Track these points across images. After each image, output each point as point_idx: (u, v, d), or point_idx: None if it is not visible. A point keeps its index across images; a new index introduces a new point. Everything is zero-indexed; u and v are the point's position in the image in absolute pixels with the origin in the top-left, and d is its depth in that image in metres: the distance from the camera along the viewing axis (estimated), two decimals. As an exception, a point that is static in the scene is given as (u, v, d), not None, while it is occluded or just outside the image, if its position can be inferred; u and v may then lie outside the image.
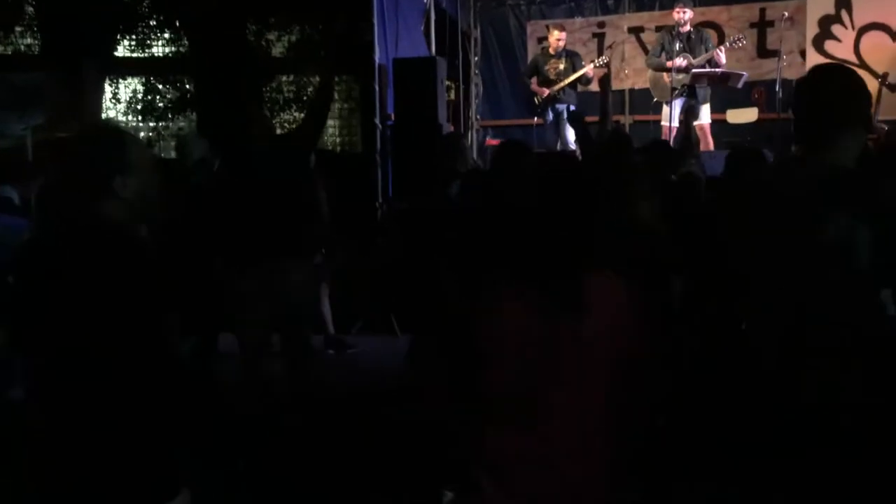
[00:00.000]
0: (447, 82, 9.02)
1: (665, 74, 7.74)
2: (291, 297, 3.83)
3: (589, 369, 1.89)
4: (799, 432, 2.09)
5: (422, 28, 8.48)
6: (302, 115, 10.92)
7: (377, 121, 7.08)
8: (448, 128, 7.23)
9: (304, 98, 10.94)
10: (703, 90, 7.74)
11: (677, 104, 7.60)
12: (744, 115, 9.00)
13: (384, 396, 4.48)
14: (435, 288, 3.40)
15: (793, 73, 9.07)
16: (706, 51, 7.61)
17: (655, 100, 8.28)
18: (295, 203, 3.95)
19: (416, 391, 3.56)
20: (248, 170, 3.91)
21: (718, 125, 8.94)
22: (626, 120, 9.94)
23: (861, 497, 2.05)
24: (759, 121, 8.98)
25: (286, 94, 11.41)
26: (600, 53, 9.85)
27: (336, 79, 8.70)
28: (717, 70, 7.52)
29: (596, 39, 10.05)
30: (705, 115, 7.75)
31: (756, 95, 9.08)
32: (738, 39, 7.81)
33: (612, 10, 10.09)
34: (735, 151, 4.84)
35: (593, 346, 1.88)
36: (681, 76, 7.59)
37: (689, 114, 6.25)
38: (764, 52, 9.53)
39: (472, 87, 10.22)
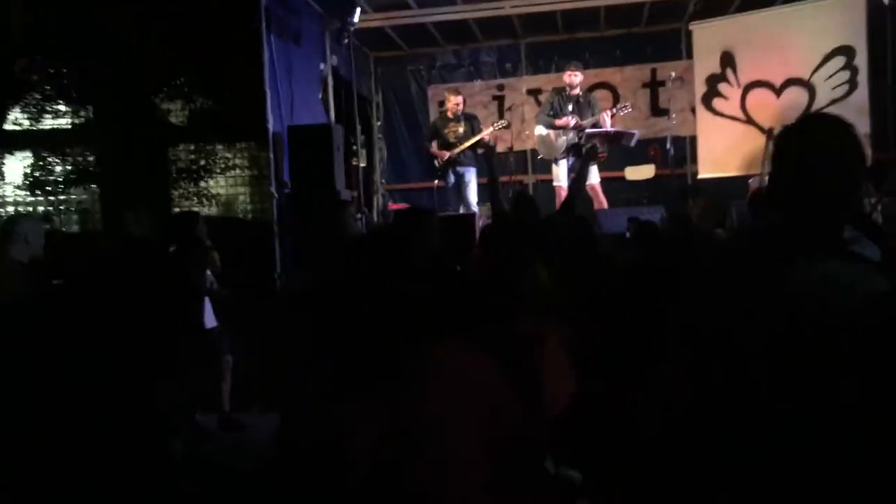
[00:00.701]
0: (356, 147, 9.02)
1: (552, 134, 7.88)
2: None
3: (455, 446, 1.78)
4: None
5: (319, 95, 8.43)
6: (204, 184, 10.74)
7: (273, 189, 6.94)
8: (346, 194, 7.13)
9: (206, 167, 10.73)
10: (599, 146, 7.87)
11: (566, 164, 7.73)
12: (641, 172, 9.24)
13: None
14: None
15: (685, 130, 9.40)
16: (593, 115, 7.77)
17: (541, 157, 8.40)
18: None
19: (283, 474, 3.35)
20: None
21: (618, 182, 9.14)
22: (530, 179, 10.08)
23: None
24: (655, 177, 9.23)
25: (187, 164, 11.17)
26: (501, 115, 9.99)
27: (242, 146, 8.59)
28: (610, 129, 7.68)
29: (496, 102, 10.21)
30: (594, 175, 7.85)
31: (652, 152, 9.34)
32: (625, 107, 8.02)
33: (511, 73, 10.28)
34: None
35: (453, 425, 1.77)
36: (569, 136, 7.74)
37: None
38: (657, 110, 9.85)
39: (376, 152, 10.21)
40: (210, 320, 5.51)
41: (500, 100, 10.19)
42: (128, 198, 8.59)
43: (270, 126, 6.95)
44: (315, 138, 6.89)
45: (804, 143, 1.60)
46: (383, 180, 10.34)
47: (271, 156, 6.95)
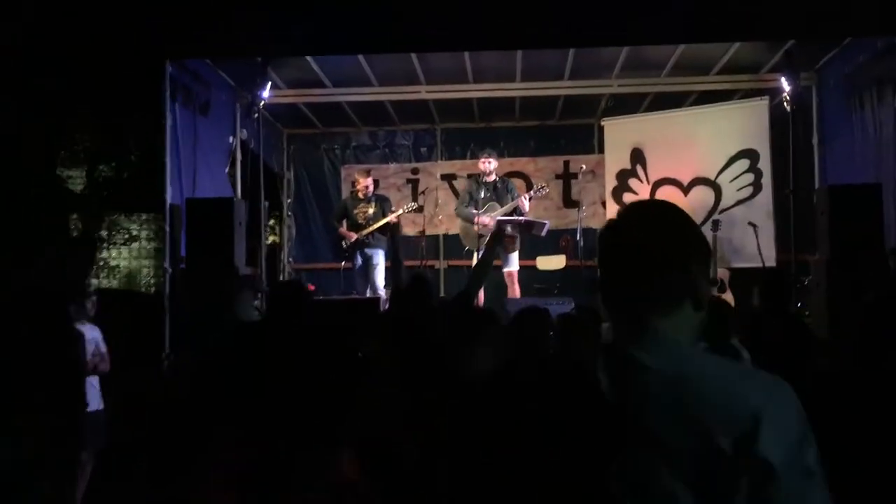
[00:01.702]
0: (263, 224, 8.70)
1: (481, 218, 7.78)
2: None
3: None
4: None
5: (227, 168, 8.16)
6: (106, 254, 10.18)
7: (167, 263, 6.56)
8: (246, 271, 6.80)
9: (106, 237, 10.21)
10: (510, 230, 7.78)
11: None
12: (552, 262, 9.21)
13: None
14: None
15: (595, 223, 9.45)
16: (511, 199, 7.73)
17: (467, 249, 8.28)
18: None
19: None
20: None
21: (530, 271, 9.07)
22: (441, 265, 9.93)
23: None
24: (566, 268, 9.21)
25: (85, 233, 10.62)
26: (415, 199, 9.90)
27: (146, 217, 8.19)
28: (521, 218, 7.61)
29: (410, 185, 10.12)
30: (514, 263, 7.78)
31: (563, 243, 9.35)
32: (542, 188, 8.03)
33: (425, 158, 10.24)
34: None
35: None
36: (487, 227, 7.65)
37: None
38: (569, 202, 9.92)
39: (285, 230, 9.92)
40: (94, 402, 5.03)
41: (414, 183, 10.10)
42: (23, 264, 8.04)
43: (168, 197, 6.62)
44: (215, 212, 6.60)
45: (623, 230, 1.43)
46: (291, 259, 10.02)
47: (167, 228, 6.59)
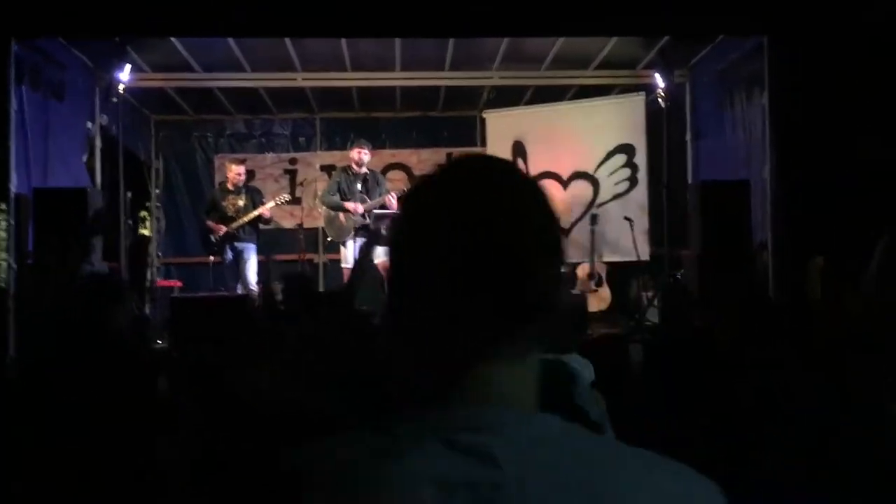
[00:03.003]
0: (144, 215, 8.20)
1: (341, 215, 7.50)
2: None
3: None
4: None
5: (84, 157, 7.60)
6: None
7: (11, 259, 6.02)
8: (102, 266, 6.33)
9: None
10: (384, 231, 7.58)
11: (353, 246, 7.38)
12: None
13: None
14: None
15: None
16: (380, 194, 7.49)
17: (330, 239, 8.02)
18: None
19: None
20: None
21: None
22: (320, 258, 9.63)
23: None
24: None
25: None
26: (293, 191, 9.56)
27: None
28: (396, 212, 7.41)
29: (288, 176, 9.76)
30: (384, 254, 7.55)
31: (445, 236, 9.20)
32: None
33: (304, 148, 9.91)
34: None
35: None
36: (357, 217, 7.40)
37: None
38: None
39: (153, 222, 9.39)
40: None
41: (292, 174, 9.75)
42: None
43: (13, 187, 6.07)
44: (67, 203, 6.12)
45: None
46: (160, 252, 9.50)
47: (12, 221, 6.04)
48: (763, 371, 3.29)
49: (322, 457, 0.81)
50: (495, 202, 0.81)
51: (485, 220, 0.80)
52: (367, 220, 7.36)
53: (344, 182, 7.55)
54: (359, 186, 7.42)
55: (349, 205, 7.38)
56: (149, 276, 9.17)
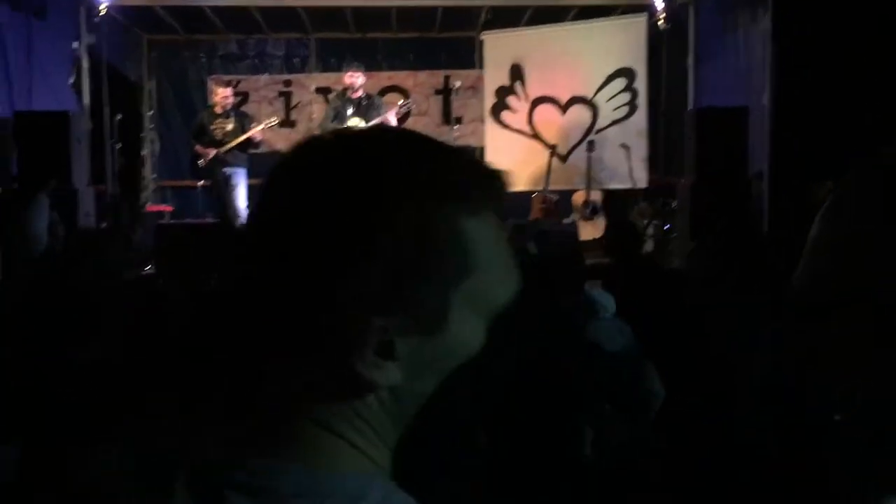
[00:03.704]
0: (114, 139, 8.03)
1: None
2: None
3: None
4: None
5: (71, 79, 7.45)
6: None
7: (-6, 184, 5.98)
8: (88, 192, 6.28)
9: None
10: None
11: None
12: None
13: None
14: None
15: (475, 141, 9.20)
16: (378, 116, 7.34)
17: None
18: None
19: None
20: None
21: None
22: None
23: None
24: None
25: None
26: (287, 113, 9.40)
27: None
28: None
29: (282, 98, 9.58)
30: None
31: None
32: (406, 104, 7.63)
33: (299, 69, 9.70)
34: None
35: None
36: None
37: None
38: (449, 118, 9.60)
39: (147, 145, 9.28)
40: None
41: (286, 97, 9.56)
42: None
43: (-6, 110, 5.99)
44: (49, 127, 6.03)
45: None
46: (154, 175, 9.42)
47: (-7, 144, 5.98)
48: (734, 316, 3.20)
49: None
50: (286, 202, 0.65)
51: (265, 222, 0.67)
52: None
53: (340, 108, 7.41)
54: (350, 111, 7.26)
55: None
56: (144, 199, 9.14)
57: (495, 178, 0.69)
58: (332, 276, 0.60)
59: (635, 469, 3.02)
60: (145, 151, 9.28)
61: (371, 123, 7.29)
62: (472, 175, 0.67)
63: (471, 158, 0.70)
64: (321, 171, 0.64)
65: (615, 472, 2.89)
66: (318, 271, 0.61)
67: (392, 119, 7.28)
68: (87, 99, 7.54)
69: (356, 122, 7.28)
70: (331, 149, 0.67)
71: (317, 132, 8.17)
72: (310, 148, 0.68)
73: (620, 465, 2.93)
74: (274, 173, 0.67)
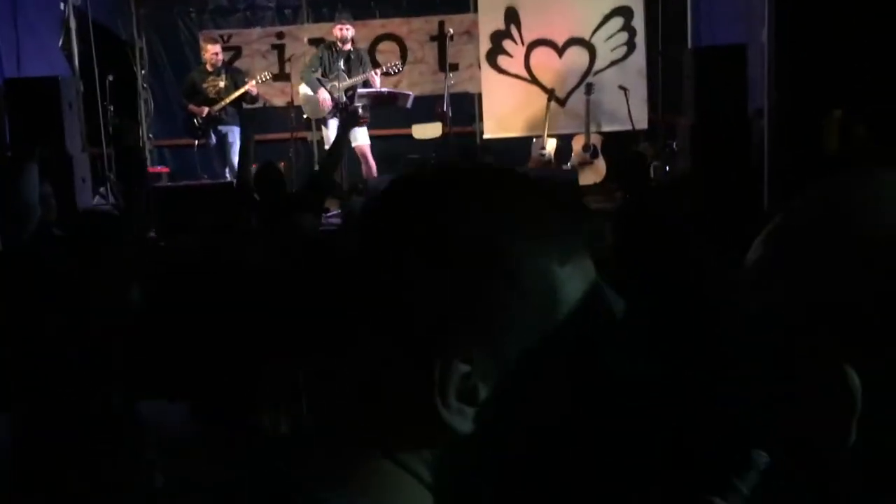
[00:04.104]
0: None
1: (320, 92, 7.23)
2: None
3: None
4: None
5: (60, 42, 7.35)
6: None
7: (-11, 153, 5.96)
8: (82, 157, 6.24)
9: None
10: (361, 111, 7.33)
11: (333, 124, 7.18)
12: (428, 131, 8.83)
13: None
14: None
15: (472, 87, 9.09)
16: (363, 72, 7.20)
17: (306, 117, 7.81)
18: None
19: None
20: None
21: (405, 140, 8.72)
22: (313, 137, 9.45)
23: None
24: (443, 135, 8.87)
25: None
26: (281, 66, 9.28)
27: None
28: (383, 90, 7.17)
29: (276, 51, 9.43)
30: (363, 136, 7.32)
31: (439, 110, 8.95)
32: (394, 66, 7.45)
33: (291, 21, 9.53)
34: None
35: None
36: (336, 95, 7.16)
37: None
38: (445, 65, 9.45)
39: (141, 105, 9.20)
40: None
41: (280, 49, 9.41)
42: None
43: (-18, 79, 5.93)
44: (39, 94, 5.97)
45: None
46: (150, 135, 9.35)
47: (-15, 114, 5.94)
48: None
49: None
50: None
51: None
52: (348, 101, 7.13)
53: (326, 59, 7.29)
54: (341, 65, 7.15)
55: (321, 94, 7.12)
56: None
57: (586, 219, 0.69)
58: (423, 316, 0.60)
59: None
60: (141, 112, 9.19)
61: (354, 80, 7.16)
62: (566, 219, 0.65)
63: (563, 199, 0.68)
64: (418, 210, 0.63)
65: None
66: (409, 310, 0.60)
67: (376, 78, 7.11)
68: (77, 61, 7.45)
69: (343, 76, 7.16)
70: (433, 186, 0.66)
71: (300, 82, 8.07)
72: (411, 184, 0.67)
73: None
74: (374, 204, 0.66)
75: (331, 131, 7.17)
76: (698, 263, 3.47)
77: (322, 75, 7.19)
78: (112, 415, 2.92)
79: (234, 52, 9.22)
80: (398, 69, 7.42)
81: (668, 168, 7.08)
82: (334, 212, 6.34)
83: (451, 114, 8.02)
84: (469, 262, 0.59)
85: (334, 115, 7.13)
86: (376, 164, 7.58)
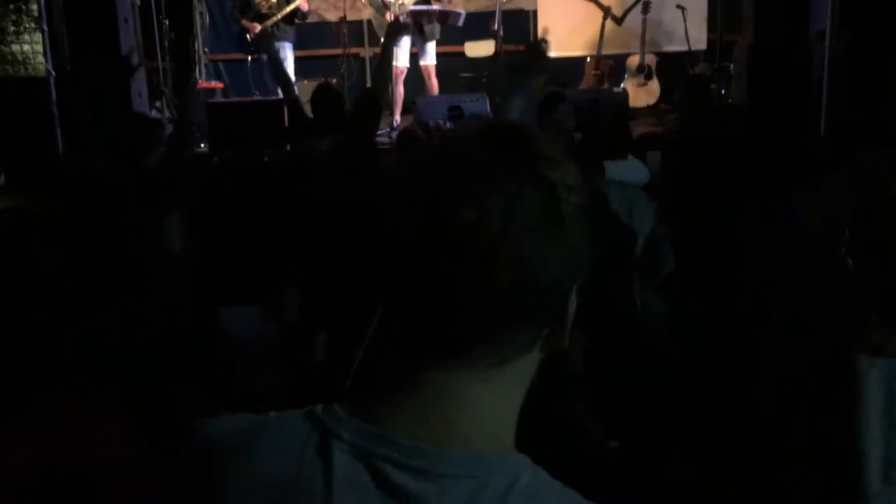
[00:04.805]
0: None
1: (388, 12, 7.15)
2: None
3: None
4: None
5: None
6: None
7: (49, 65, 6.09)
8: (140, 71, 6.35)
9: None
10: (431, 27, 7.24)
11: (403, 43, 7.11)
12: (481, 49, 8.71)
13: None
14: None
15: (528, 4, 8.89)
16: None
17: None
18: None
19: None
20: None
21: (459, 58, 8.63)
22: (366, 52, 9.41)
23: None
24: (496, 53, 8.74)
25: None
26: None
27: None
28: (433, 8, 7.05)
29: (330, -35, 9.32)
30: (429, 55, 7.27)
31: (494, 27, 8.81)
32: None
33: (346, -66, 9.37)
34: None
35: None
36: (402, 16, 7.05)
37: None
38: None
39: (196, 17, 9.23)
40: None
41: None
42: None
43: (42, -9, 6.03)
44: (96, 7, 6.04)
45: None
46: (206, 49, 9.41)
47: (45, 27, 6.06)
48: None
49: (242, 451, 0.71)
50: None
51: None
52: (404, 19, 7.04)
53: None
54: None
55: (389, 14, 7.03)
56: (199, 74, 9.20)
57: None
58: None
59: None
60: (196, 25, 9.23)
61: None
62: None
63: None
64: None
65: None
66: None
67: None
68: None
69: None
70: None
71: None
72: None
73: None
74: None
75: (401, 49, 7.09)
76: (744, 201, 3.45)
77: None
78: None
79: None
80: None
81: (723, 91, 6.91)
82: (383, 130, 6.38)
83: (504, 31, 7.88)
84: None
85: (404, 35, 7.05)
86: (429, 81, 7.57)
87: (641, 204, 3.16)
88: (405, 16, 6.97)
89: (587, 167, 3.31)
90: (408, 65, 7.27)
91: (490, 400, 0.67)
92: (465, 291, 0.63)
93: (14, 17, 6.41)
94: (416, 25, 7.09)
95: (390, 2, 7.03)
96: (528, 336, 0.67)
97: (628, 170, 3.34)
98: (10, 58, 6.59)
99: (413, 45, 7.17)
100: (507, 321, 0.65)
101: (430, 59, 7.25)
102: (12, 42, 6.45)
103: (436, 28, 7.22)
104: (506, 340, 0.66)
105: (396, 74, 7.32)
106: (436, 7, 7.05)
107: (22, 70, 6.40)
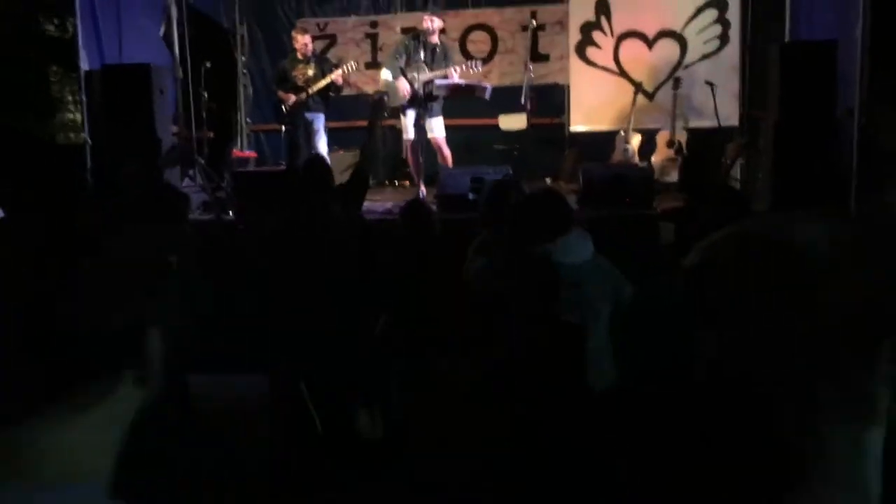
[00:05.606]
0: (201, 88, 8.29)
1: (400, 81, 7.26)
2: None
3: None
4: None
5: (161, 30, 7.73)
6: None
7: (85, 134, 6.34)
8: (169, 141, 6.54)
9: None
10: (437, 103, 7.32)
11: (411, 114, 7.25)
12: (513, 122, 8.80)
13: None
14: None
15: (563, 78, 8.97)
16: (444, 68, 7.17)
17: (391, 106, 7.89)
18: None
19: None
20: None
21: (492, 130, 8.73)
22: (402, 124, 9.57)
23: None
24: (529, 126, 8.81)
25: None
26: (374, 55, 9.45)
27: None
28: (460, 82, 7.14)
29: (369, 40, 9.61)
30: (439, 129, 7.33)
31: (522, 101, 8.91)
32: (474, 64, 7.33)
33: (385, 10, 9.66)
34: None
35: None
36: (416, 86, 7.18)
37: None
38: (536, 55, 9.37)
39: (241, 90, 9.56)
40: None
41: (373, 38, 9.59)
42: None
43: (82, 64, 6.31)
44: (131, 80, 6.30)
45: None
46: (248, 120, 9.71)
47: (83, 98, 6.33)
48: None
49: None
50: None
51: None
52: (425, 92, 7.17)
53: (411, 48, 7.33)
54: (422, 55, 7.18)
55: (400, 83, 7.16)
56: (240, 143, 9.48)
57: None
58: None
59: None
60: (240, 97, 9.55)
61: (434, 73, 7.16)
62: None
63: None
64: None
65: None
66: None
67: (455, 74, 7.06)
68: (178, 49, 7.80)
69: (423, 68, 7.18)
70: None
71: (385, 67, 8.08)
72: None
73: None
74: None
75: (409, 120, 7.25)
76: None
77: (405, 64, 7.24)
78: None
79: (330, 39, 9.47)
80: (478, 67, 7.29)
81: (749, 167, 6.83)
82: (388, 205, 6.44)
83: (536, 105, 7.97)
84: None
85: (412, 106, 7.18)
86: (462, 153, 7.64)
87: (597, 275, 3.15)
88: (421, 86, 7.10)
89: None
90: (412, 136, 7.35)
91: None
92: None
93: (70, 88, 6.71)
94: (425, 97, 7.18)
95: (411, 76, 7.16)
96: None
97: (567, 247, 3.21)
98: (59, 125, 6.89)
99: (419, 117, 7.26)
100: None
101: (437, 132, 7.28)
102: (67, 111, 6.75)
103: (437, 104, 7.26)
104: None
105: (407, 147, 7.46)
106: (462, 81, 7.15)
107: (62, 137, 6.67)
